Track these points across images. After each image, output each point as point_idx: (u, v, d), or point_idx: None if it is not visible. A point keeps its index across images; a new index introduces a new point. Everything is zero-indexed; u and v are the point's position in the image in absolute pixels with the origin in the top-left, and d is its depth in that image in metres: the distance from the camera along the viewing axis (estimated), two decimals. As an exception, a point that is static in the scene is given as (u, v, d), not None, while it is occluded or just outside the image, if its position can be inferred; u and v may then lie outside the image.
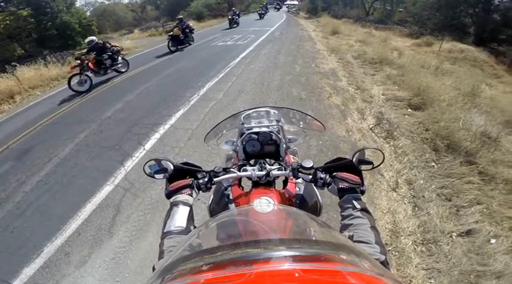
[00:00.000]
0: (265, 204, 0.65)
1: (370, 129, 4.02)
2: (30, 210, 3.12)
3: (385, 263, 0.66)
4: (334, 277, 0.37)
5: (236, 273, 0.37)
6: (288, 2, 38.13)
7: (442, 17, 17.30)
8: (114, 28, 29.09)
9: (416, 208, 2.60)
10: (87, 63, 7.12)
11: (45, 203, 3.19)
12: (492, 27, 15.65)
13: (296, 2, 38.49)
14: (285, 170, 1.02)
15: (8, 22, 13.80)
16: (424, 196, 2.71)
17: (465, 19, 17.61)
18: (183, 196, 0.92)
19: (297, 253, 0.42)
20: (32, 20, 14.83)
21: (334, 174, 0.93)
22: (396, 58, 7.83)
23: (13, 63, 9.67)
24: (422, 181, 2.93)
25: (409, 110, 4.54)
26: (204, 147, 3.69)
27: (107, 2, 34.32)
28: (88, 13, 27.36)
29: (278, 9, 31.73)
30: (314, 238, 0.58)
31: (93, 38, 7.83)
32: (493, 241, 2.21)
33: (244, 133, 1.26)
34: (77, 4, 20.25)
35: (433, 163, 3.21)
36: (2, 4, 15.58)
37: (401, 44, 12.84)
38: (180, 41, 11.03)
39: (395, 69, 6.59)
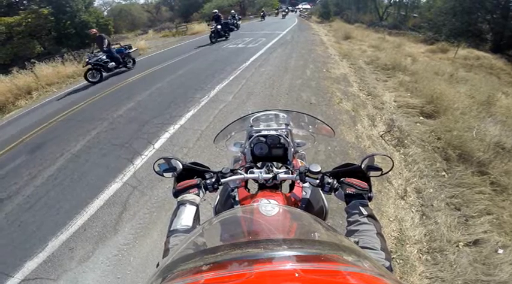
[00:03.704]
0: (269, 206, 0.65)
1: (381, 136, 3.97)
2: (39, 204, 3.19)
3: (389, 270, 0.65)
4: (334, 277, 0.37)
5: (236, 273, 0.37)
6: (299, 6, 38.31)
7: (458, 23, 16.93)
8: (130, 28, 29.73)
9: (424, 217, 2.55)
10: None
11: (54, 198, 3.27)
12: (510, 33, 15.22)
13: (308, 6, 38.59)
14: (292, 174, 1.02)
15: (29, 20, 14.31)
16: (432, 205, 2.65)
17: (482, 25, 17.20)
18: (190, 196, 0.93)
19: (298, 253, 0.42)
20: (52, 18, 15.32)
21: (342, 179, 0.93)
22: (409, 64, 7.70)
23: (32, 60, 10.00)
24: (431, 190, 2.87)
25: (421, 118, 4.46)
26: (213, 148, 3.71)
27: (123, 2, 35.12)
28: (105, 13, 28.07)
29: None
30: (315, 239, 0.58)
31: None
32: (500, 251, 2.15)
33: (253, 135, 1.27)
34: (95, 4, 20.81)
35: (444, 173, 3.14)
36: (24, 2, 16.19)
37: (415, 50, 12.64)
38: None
39: (408, 76, 6.49)
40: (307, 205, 1.12)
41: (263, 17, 25.25)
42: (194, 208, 0.90)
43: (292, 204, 1.10)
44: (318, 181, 0.93)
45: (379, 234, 0.76)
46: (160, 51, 13.22)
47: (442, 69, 7.69)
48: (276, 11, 31.19)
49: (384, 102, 5.17)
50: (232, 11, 18.50)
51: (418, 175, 3.09)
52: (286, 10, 31.49)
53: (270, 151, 1.26)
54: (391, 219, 2.52)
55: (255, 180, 1.08)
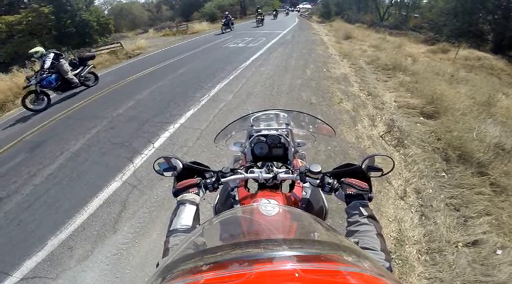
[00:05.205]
0: (270, 206, 0.65)
1: (381, 136, 3.97)
2: (38, 203, 3.18)
3: (389, 270, 0.65)
4: (334, 277, 0.37)
5: (236, 273, 0.37)
6: (300, 6, 38.25)
7: (459, 24, 16.94)
8: (130, 27, 29.74)
9: (423, 217, 2.55)
10: None
11: (54, 196, 3.26)
12: (511, 34, 15.21)
13: (309, 6, 38.57)
14: (293, 174, 1.02)
15: (30, 19, 14.31)
16: (432, 206, 2.65)
17: (483, 26, 17.20)
18: (190, 195, 0.93)
19: (297, 253, 0.42)
20: (53, 17, 15.32)
21: (342, 179, 0.93)
22: (410, 64, 7.70)
23: (32, 59, 9.97)
24: (431, 190, 2.87)
25: (421, 118, 4.46)
26: (213, 147, 3.71)
27: (124, 1, 35.06)
28: (106, 11, 28.04)
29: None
30: (315, 239, 0.58)
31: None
32: (499, 252, 2.15)
33: (253, 135, 1.27)
34: (96, 2, 20.82)
35: (444, 173, 3.14)
36: (25, 1, 16.19)
37: (416, 50, 12.65)
38: None
39: (408, 76, 6.48)
40: (307, 205, 1.12)
41: (227, 25, 17.24)
42: (194, 207, 0.90)
43: (292, 203, 1.09)
44: (318, 181, 0.93)
45: (379, 235, 0.76)
46: (161, 50, 13.21)
47: (442, 69, 7.69)
48: (255, 14, 20.84)
49: (384, 102, 5.17)
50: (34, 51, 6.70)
51: (418, 175, 3.09)
52: (275, 12, 24.94)
53: (270, 151, 1.26)
54: (390, 219, 2.52)
55: (255, 180, 1.08)
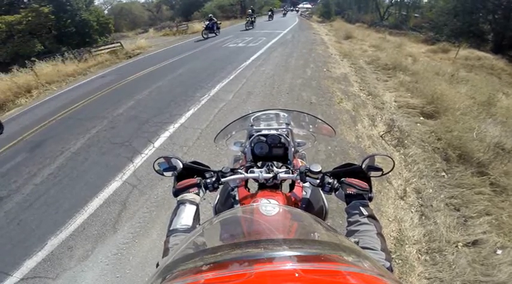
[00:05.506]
0: (270, 206, 0.65)
1: (381, 136, 3.96)
2: (39, 203, 3.19)
3: (389, 270, 0.65)
4: (334, 277, 0.37)
5: (236, 273, 0.37)
6: (300, 5, 38.22)
7: (460, 23, 16.93)
8: (130, 27, 29.73)
9: (423, 217, 2.55)
10: None
11: (54, 196, 3.27)
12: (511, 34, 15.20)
13: (309, 6, 38.55)
14: (293, 173, 1.02)
15: (30, 18, 14.31)
16: (432, 205, 2.65)
17: (484, 26, 17.18)
18: (190, 195, 0.93)
19: (298, 253, 0.42)
20: (53, 17, 15.31)
21: (342, 179, 0.92)
22: (410, 64, 7.69)
23: (32, 59, 9.99)
24: (431, 190, 2.87)
25: (421, 118, 4.45)
26: (213, 146, 3.71)
27: (124, 1, 35.00)
28: (106, 11, 28.01)
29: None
30: (315, 239, 0.58)
31: None
32: (499, 252, 2.15)
33: (253, 135, 1.27)
34: (96, 2, 20.79)
35: (444, 173, 3.14)
36: (25, 1, 16.19)
37: (416, 50, 12.63)
38: None
39: (408, 76, 6.48)
40: (307, 205, 1.12)
41: (210, 29, 14.89)
42: (194, 207, 0.90)
43: (292, 203, 1.09)
44: (318, 181, 0.93)
45: (380, 234, 0.76)
46: (161, 49, 13.19)
47: (442, 69, 7.67)
48: (246, 14, 18.96)
49: (384, 102, 5.17)
50: None
51: (418, 175, 3.09)
52: (270, 12, 22.59)
53: (271, 151, 1.26)
54: (390, 219, 2.52)
55: (255, 180, 1.08)
